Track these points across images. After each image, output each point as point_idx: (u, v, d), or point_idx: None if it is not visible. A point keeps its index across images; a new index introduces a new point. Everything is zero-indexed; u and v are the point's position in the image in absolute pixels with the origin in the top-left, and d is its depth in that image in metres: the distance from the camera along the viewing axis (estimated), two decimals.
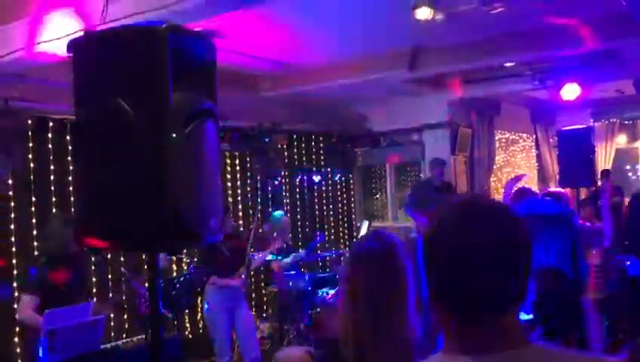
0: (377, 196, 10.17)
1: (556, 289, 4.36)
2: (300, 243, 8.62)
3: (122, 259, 5.92)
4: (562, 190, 6.45)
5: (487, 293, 1.13)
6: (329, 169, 9.24)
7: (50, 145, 5.74)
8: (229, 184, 7.67)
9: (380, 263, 2.00)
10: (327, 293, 6.68)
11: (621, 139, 11.37)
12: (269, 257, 6.23)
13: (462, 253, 1.14)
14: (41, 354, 3.68)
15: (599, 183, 9.05)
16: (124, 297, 6.07)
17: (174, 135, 1.77)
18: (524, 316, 3.10)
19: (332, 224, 9.44)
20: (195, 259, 6.03)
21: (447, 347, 1.18)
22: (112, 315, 5.92)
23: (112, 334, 5.82)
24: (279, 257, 6.48)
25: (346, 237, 9.65)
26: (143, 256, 5.72)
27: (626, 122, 11.16)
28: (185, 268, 6.62)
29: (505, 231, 1.16)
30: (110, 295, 5.81)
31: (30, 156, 5.57)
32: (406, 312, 1.94)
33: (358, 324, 1.95)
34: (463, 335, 1.15)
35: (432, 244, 1.20)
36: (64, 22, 3.88)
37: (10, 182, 5.37)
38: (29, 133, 5.59)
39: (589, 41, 5.61)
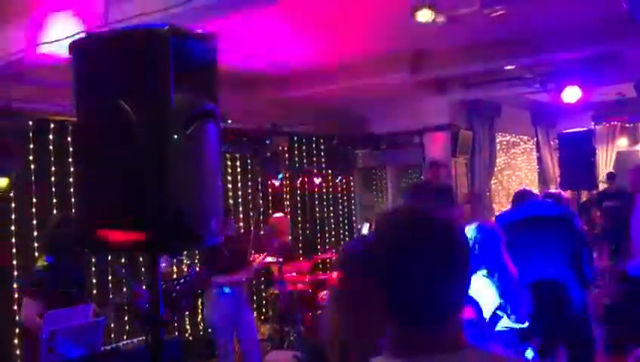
0: (378, 198, 10.17)
1: (555, 303, 4.25)
2: (300, 246, 8.63)
3: (122, 260, 5.91)
4: (562, 192, 6.45)
5: (425, 304, 1.17)
6: (330, 171, 9.25)
7: (50, 147, 5.75)
8: (229, 186, 7.67)
9: (363, 265, 1.99)
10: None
11: (622, 142, 11.37)
12: (270, 259, 6.22)
13: (400, 265, 1.18)
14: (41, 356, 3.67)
15: (601, 186, 9.06)
16: (124, 299, 6.08)
17: (175, 136, 1.78)
18: (516, 324, 3.08)
19: (332, 226, 9.44)
20: (197, 261, 6.03)
21: (386, 350, 1.22)
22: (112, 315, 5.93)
23: (113, 336, 5.82)
24: (280, 260, 6.47)
25: (347, 239, 9.64)
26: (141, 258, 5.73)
27: (627, 125, 11.15)
28: (185, 269, 6.62)
29: (443, 243, 1.19)
30: (110, 296, 5.80)
31: (31, 157, 5.58)
32: None
33: (342, 325, 1.95)
34: (402, 340, 1.19)
35: (372, 256, 1.25)
36: (66, 24, 3.88)
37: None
38: (30, 135, 5.60)
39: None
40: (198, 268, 6.04)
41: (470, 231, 3.02)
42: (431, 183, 7.97)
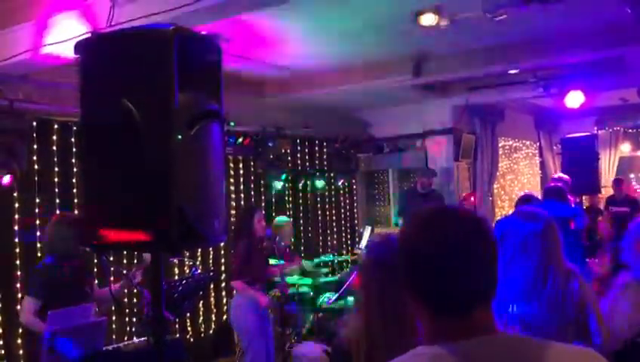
0: (380, 201, 10.17)
1: None
2: (302, 248, 8.63)
3: (125, 261, 5.92)
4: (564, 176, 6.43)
5: (459, 292, 1.24)
6: (332, 174, 9.26)
7: (54, 147, 5.77)
8: (232, 188, 7.68)
9: (391, 269, 1.99)
10: (329, 298, 6.67)
11: (625, 148, 11.36)
12: (273, 262, 6.23)
13: (434, 256, 1.24)
14: (42, 355, 3.68)
15: (604, 191, 9.05)
16: (126, 300, 6.09)
17: (180, 136, 1.78)
18: None
19: (334, 229, 9.44)
20: (198, 262, 5.99)
21: (425, 339, 1.28)
22: (114, 317, 5.92)
23: (114, 336, 5.82)
24: (281, 262, 6.47)
25: (349, 242, 9.65)
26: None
27: (630, 130, 11.14)
28: (187, 270, 6.63)
29: (474, 235, 1.26)
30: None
31: (35, 158, 5.59)
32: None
33: (370, 328, 1.96)
34: (439, 329, 1.25)
35: (407, 248, 1.30)
36: (70, 24, 3.90)
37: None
38: (34, 135, 5.62)
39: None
40: (199, 270, 6.03)
41: None
42: (416, 189, 8.03)
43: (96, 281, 5.67)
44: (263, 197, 8.10)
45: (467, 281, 1.23)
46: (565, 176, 6.79)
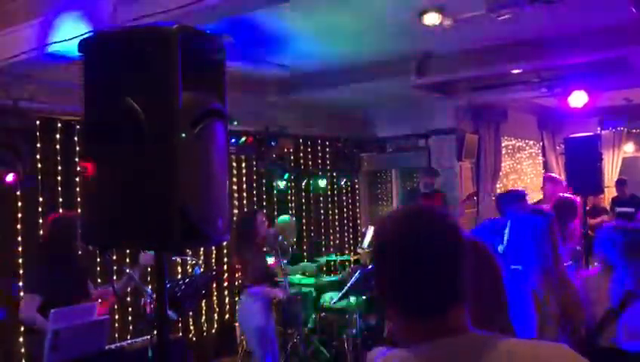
0: (383, 201, 10.16)
1: None
2: (304, 248, 8.63)
3: (128, 260, 5.93)
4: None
5: (429, 296, 1.26)
6: (335, 173, 9.25)
7: (57, 146, 5.78)
8: (234, 187, 7.68)
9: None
10: (332, 297, 6.66)
11: (628, 148, 11.34)
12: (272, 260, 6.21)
13: (406, 258, 1.26)
14: (45, 354, 3.68)
15: (607, 192, 9.02)
16: (128, 299, 6.09)
17: (183, 135, 1.78)
18: None
19: (337, 228, 9.43)
20: (201, 261, 5.96)
21: (398, 339, 1.30)
22: (116, 316, 5.93)
23: (117, 335, 5.83)
24: (284, 262, 6.46)
25: (351, 242, 9.64)
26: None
27: (634, 130, 11.12)
28: (190, 269, 6.63)
29: (445, 240, 1.27)
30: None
31: (38, 156, 5.60)
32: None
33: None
34: (411, 330, 1.28)
35: (380, 251, 1.32)
36: (74, 23, 3.90)
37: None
38: (37, 134, 5.63)
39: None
40: (202, 269, 6.02)
41: None
42: (418, 189, 8.00)
43: (99, 280, 5.71)
44: (264, 197, 8.10)
45: (438, 284, 1.25)
46: (554, 175, 6.85)
